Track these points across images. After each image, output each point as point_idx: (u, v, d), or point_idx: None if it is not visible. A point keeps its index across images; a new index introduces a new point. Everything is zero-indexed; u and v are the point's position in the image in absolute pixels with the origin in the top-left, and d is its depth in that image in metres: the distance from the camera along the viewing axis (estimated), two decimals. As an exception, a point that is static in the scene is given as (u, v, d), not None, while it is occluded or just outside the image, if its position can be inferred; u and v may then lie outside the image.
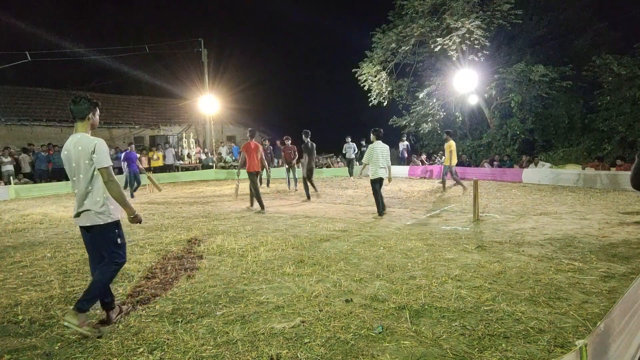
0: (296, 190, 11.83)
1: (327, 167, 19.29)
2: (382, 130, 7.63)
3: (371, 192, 7.79)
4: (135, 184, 11.83)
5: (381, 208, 7.56)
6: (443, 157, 13.13)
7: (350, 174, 16.71)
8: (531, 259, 4.49)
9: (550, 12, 18.04)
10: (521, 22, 15.92)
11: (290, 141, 11.94)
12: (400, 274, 4.12)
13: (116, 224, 3.10)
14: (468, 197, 9.36)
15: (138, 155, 15.15)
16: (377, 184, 7.50)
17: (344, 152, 17.51)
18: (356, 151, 17.18)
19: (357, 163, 17.03)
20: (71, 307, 3.33)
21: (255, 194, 8.49)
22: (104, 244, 3.09)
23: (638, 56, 13.94)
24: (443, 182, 11.33)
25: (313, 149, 10.42)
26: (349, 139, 16.95)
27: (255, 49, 38.66)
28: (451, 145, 10.59)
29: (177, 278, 4.22)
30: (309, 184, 10.34)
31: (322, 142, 24.48)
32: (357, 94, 19.31)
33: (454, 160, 10.69)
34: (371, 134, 7.63)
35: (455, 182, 11.11)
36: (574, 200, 8.90)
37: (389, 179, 7.66)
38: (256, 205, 8.65)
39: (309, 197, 10.13)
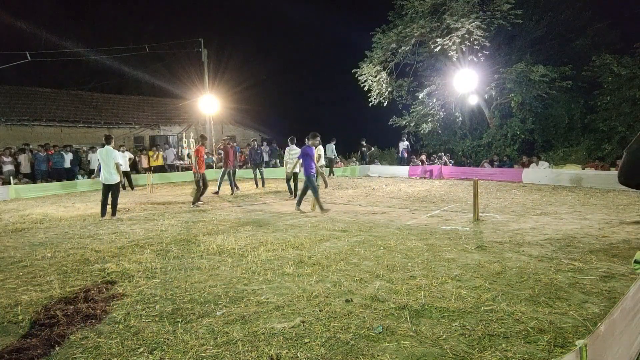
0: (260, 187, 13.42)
1: (327, 166, 19.28)
2: (295, 137, 10.24)
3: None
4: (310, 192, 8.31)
5: (293, 193, 10.48)
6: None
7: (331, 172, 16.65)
8: (531, 259, 4.49)
9: (550, 12, 18.02)
10: (521, 22, 15.90)
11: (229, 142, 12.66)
12: (400, 274, 4.12)
13: None
14: (468, 196, 9.37)
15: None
16: (292, 176, 10.39)
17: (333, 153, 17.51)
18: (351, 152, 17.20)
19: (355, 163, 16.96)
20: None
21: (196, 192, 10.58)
22: None
23: (638, 56, 13.93)
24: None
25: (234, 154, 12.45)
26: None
27: (255, 49, 38.73)
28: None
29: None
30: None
31: (322, 142, 24.50)
32: (357, 94, 19.34)
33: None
34: (288, 140, 10.35)
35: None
36: (574, 200, 8.90)
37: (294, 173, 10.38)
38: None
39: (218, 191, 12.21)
